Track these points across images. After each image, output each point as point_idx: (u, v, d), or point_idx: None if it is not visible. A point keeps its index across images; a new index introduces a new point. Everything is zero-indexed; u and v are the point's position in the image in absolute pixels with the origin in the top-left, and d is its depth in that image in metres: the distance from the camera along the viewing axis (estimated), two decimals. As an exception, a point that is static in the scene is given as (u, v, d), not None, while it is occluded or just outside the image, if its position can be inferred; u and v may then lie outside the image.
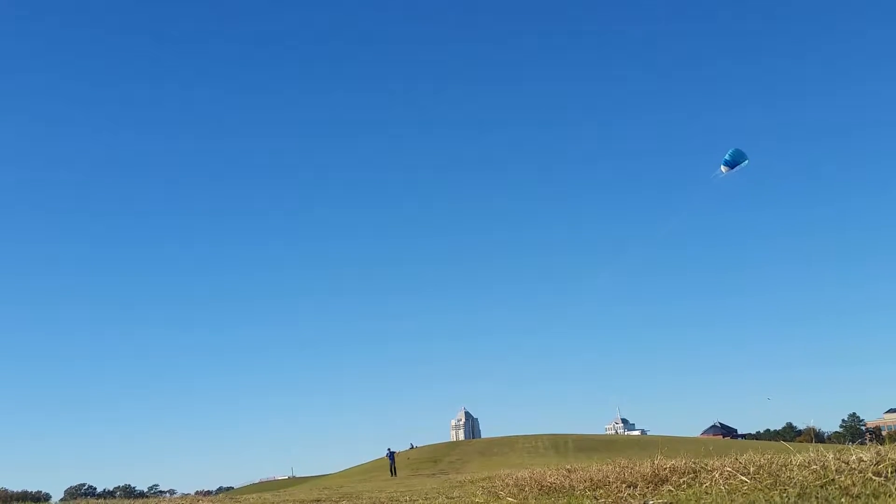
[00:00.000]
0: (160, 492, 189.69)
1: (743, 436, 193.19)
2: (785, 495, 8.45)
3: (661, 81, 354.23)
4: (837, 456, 9.68)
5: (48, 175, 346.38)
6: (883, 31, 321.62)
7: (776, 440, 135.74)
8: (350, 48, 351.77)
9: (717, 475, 10.53)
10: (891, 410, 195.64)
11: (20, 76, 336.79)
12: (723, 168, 40.69)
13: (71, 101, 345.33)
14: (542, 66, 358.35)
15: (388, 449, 71.64)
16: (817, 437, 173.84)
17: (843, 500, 7.89)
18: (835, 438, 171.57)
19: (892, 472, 8.45)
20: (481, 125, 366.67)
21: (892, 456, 9.03)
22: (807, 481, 8.82)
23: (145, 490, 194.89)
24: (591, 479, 13.04)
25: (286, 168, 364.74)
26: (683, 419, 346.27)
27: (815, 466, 9.45)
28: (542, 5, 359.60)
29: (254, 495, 40.16)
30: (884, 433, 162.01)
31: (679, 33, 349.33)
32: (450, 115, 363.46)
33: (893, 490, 7.82)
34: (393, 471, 66.74)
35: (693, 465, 11.87)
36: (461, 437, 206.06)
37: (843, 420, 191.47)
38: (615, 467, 13.61)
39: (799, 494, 8.34)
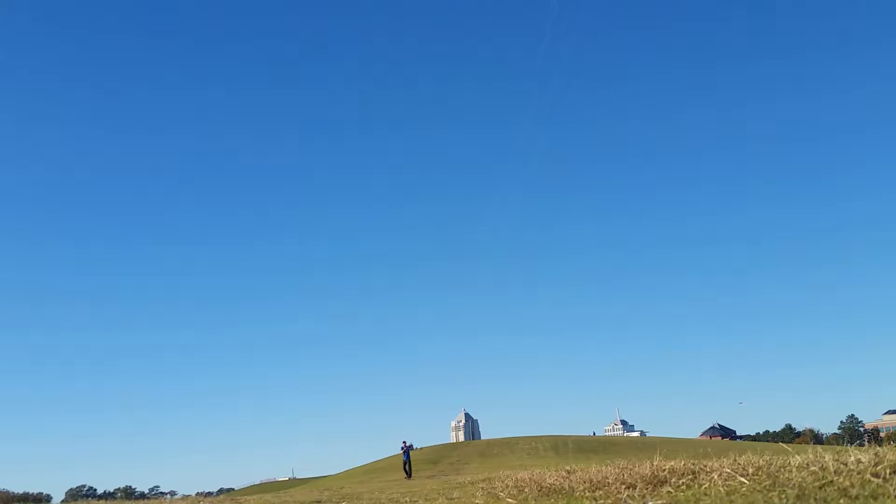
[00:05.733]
0: (161, 493, 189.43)
1: (742, 437, 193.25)
2: (784, 496, 8.49)
3: (660, 81, 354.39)
4: (836, 457, 9.70)
5: (49, 175, 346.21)
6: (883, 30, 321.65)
7: (775, 441, 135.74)
8: (351, 47, 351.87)
9: (715, 476, 10.56)
10: (889, 412, 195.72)
11: (19, 76, 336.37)
12: None
13: (70, 102, 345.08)
14: (541, 66, 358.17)
15: (404, 442, 54.04)
16: (816, 438, 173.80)
17: (841, 501, 7.93)
18: (833, 440, 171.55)
19: (890, 474, 8.49)
20: (486, 123, 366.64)
21: (891, 457, 9.06)
22: (805, 482, 8.85)
23: (146, 491, 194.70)
24: (591, 481, 13.06)
25: (285, 168, 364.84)
26: (682, 421, 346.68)
27: (813, 468, 9.48)
28: (542, 6, 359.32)
29: (254, 496, 40.15)
30: (882, 434, 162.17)
31: (677, 34, 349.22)
32: (454, 114, 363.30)
33: (892, 491, 7.86)
34: (408, 471, 52.72)
35: (692, 467, 11.88)
36: (461, 438, 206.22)
37: (842, 421, 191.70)
38: (614, 468, 13.63)
39: (797, 496, 8.38)
